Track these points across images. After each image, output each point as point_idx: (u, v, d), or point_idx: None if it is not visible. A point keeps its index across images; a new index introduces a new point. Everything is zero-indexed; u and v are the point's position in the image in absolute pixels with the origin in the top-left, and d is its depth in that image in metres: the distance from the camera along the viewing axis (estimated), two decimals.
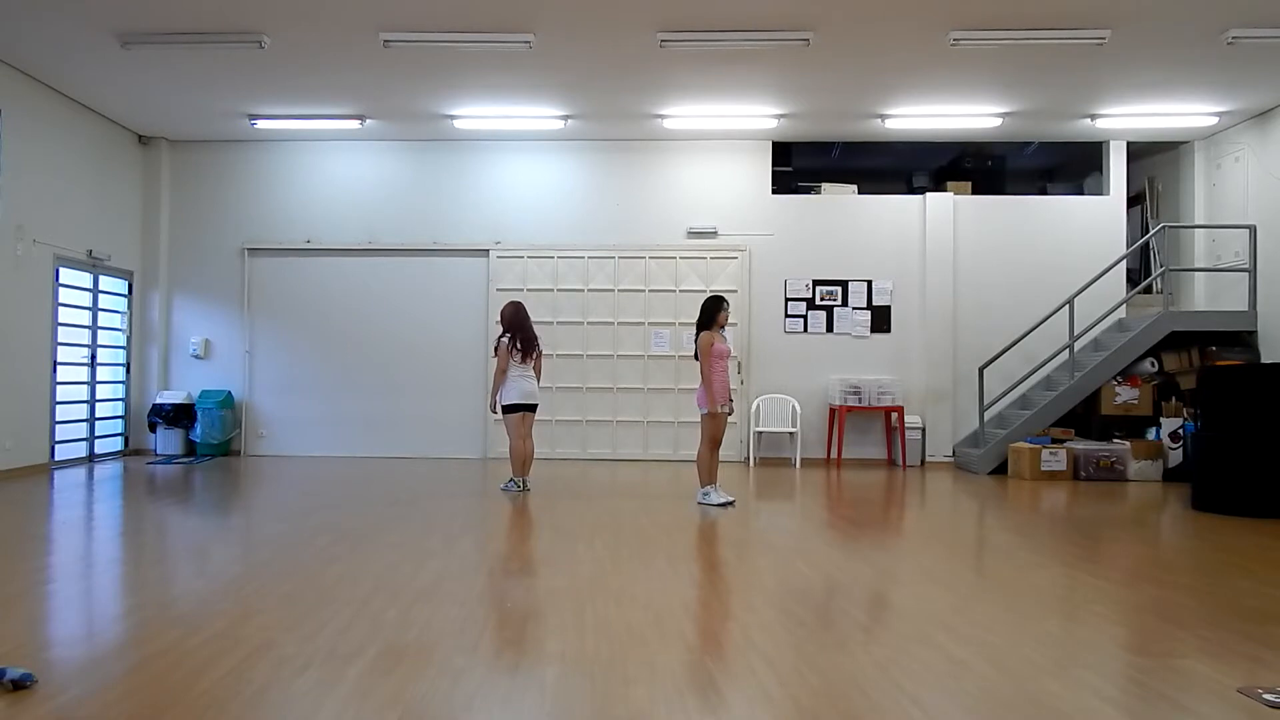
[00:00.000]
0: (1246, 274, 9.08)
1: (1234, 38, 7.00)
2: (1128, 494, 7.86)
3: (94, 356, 9.54)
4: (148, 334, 10.30)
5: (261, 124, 9.53)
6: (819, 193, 10.36)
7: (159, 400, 10.00)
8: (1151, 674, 3.07)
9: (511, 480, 7.49)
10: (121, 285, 10.05)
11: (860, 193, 10.35)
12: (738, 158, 10.26)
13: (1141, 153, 10.46)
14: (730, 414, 7.03)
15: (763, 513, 6.81)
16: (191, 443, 10.03)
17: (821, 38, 7.19)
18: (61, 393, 8.92)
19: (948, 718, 2.66)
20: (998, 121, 9.29)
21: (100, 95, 8.85)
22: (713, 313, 6.84)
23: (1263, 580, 4.54)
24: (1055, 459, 8.71)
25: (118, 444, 10.04)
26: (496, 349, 7.45)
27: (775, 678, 2.98)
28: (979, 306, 10.12)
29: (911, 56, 7.63)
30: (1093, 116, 9.22)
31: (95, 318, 9.59)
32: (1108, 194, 10.15)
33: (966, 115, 9.16)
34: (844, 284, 10.24)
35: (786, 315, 10.24)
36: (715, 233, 10.26)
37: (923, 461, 10.03)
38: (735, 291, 10.06)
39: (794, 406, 10.06)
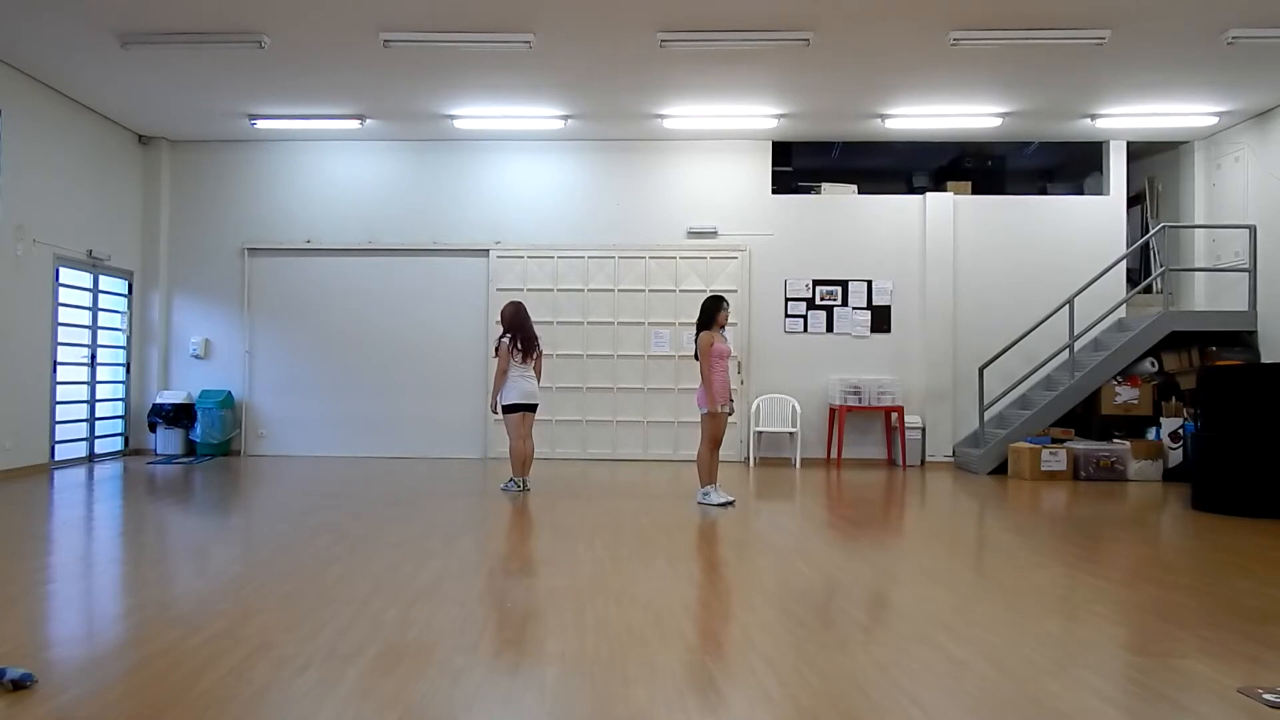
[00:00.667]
0: (1246, 274, 9.08)
1: (1234, 38, 7.00)
2: (1128, 494, 7.86)
3: (94, 356, 9.54)
4: (148, 334, 10.30)
5: (261, 124, 9.53)
6: (819, 193, 10.36)
7: (159, 400, 10.00)
8: (1151, 674, 3.07)
9: (511, 480, 7.49)
10: (121, 285, 10.05)
11: (860, 193, 10.35)
12: (738, 158, 10.26)
13: (1141, 153, 10.46)
14: (731, 414, 7.03)
15: (763, 513, 6.81)
16: (191, 443, 10.03)
17: (821, 38, 7.19)
18: (61, 393, 8.92)
19: (948, 718, 2.66)
20: (998, 121, 9.29)
21: (100, 95, 8.85)
22: (712, 312, 6.84)
23: (1263, 580, 4.54)
24: (1055, 459, 8.71)
25: (118, 444, 10.04)
26: (497, 349, 7.46)
27: (775, 678, 2.98)
28: (979, 306, 10.12)
29: (911, 56, 7.63)
30: (1093, 116, 9.22)
31: (95, 318, 9.59)
32: (1108, 194, 10.15)
33: (966, 115, 9.16)
34: (844, 284, 10.24)
35: (786, 315, 10.24)
36: (715, 233, 10.26)
37: (923, 461, 10.03)
38: (735, 291, 10.06)
39: (794, 406, 10.06)
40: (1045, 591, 4.27)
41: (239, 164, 10.41)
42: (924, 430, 10.04)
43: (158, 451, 10.02)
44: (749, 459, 10.08)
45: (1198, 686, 2.94)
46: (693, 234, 10.26)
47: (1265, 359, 8.94)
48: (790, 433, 10.04)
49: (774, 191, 10.30)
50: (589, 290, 10.24)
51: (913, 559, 5.02)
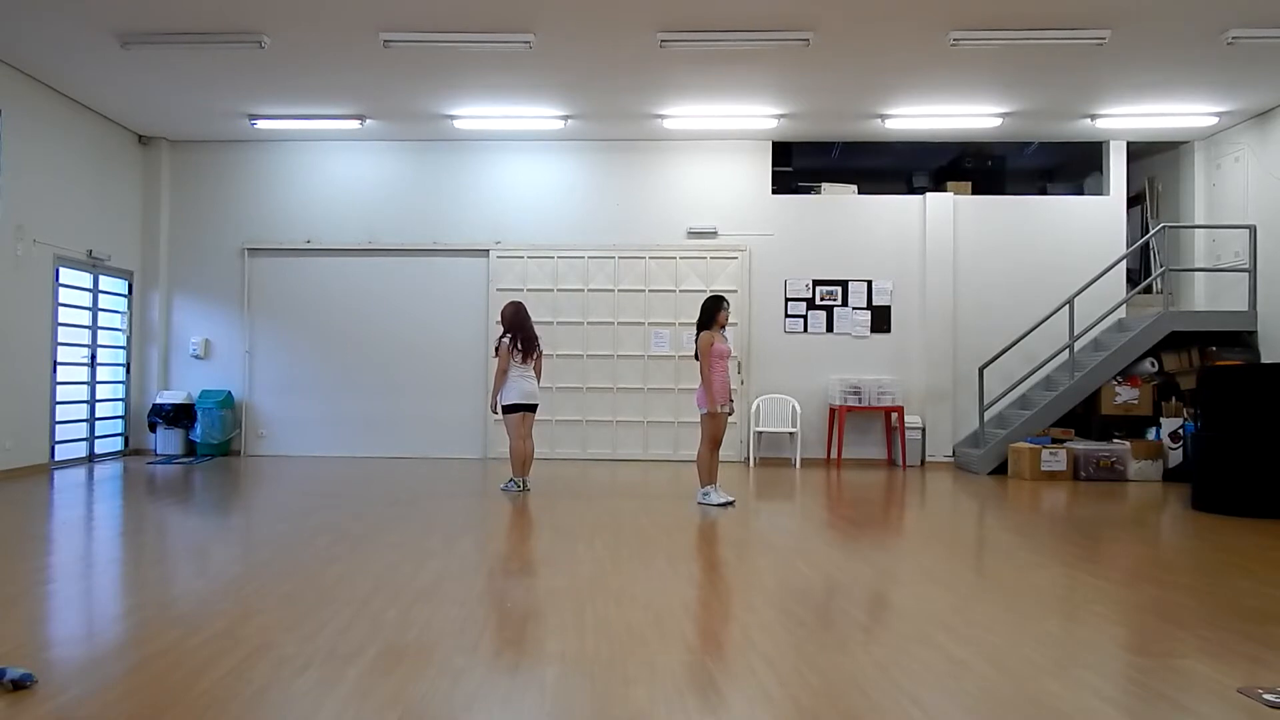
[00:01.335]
0: (1246, 274, 9.08)
1: (1234, 38, 7.00)
2: (1128, 494, 7.86)
3: (94, 356, 9.54)
4: (148, 334, 10.30)
5: (261, 124, 9.53)
6: (819, 193, 10.35)
7: (159, 400, 10.00)
8: (1151, 674, 3.07)
9: (511, 480, 7.49)
10: (121, 285, 10.05)
11: (860, 193, 10.35)
12: (738, 158, 10.26)
13: (1141, 153, 10.46)
14: (731, 414, 7.03)
15: (763, 513, 6.81)
16: (191, 443, 10.03)
17: (821, 38, 7.19)
18: (61, 393, 8.92)
19: (948, 718, 2.66)
20: (998, 121, 9.29)
21: (100, 95, 8.85)
22: (713, 312, 6.84)
23: (1263, 580, 4.54)
24: (1055, 459, 8.71)
25: (118, 444, 10.04)
26: (497, 349, 7.45)
27: (775, 678, 2.98)
28: (979, 306, 10.12)
29: (911, 56, 7.63)
30: (1093, 116, 9.21)
31: (95, 318, 9.59)
32: (1108, 194, 10.15)
33: (966, 115, 9.16)
34: (844, 284, 10.24)
35: (786, 315, 10.24)
36: (715, 233, 10.26)
37: (923, 461, 10.03)
38: (735, 291, 10.06)
39: (794, 406, 10.06)
40: (1045, 591, 4.27)
41: (239, 164, 10.41)
42: (924, 430, 10.04)
43: (158, 451, 10.02)
44: (749, 459, 10.08)
45: (1198, 686, 2.94)
46: (693, 234, 10.26)
47: (1265, 359, 8.94)
48: (790, 433, 10.04)
49: (774, 191, 10.30)
50: (589, 290, 10.24)
51: (913, 559, 5.02)
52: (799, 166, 10.60)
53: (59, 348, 8.87)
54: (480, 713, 2.69)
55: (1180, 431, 8.80)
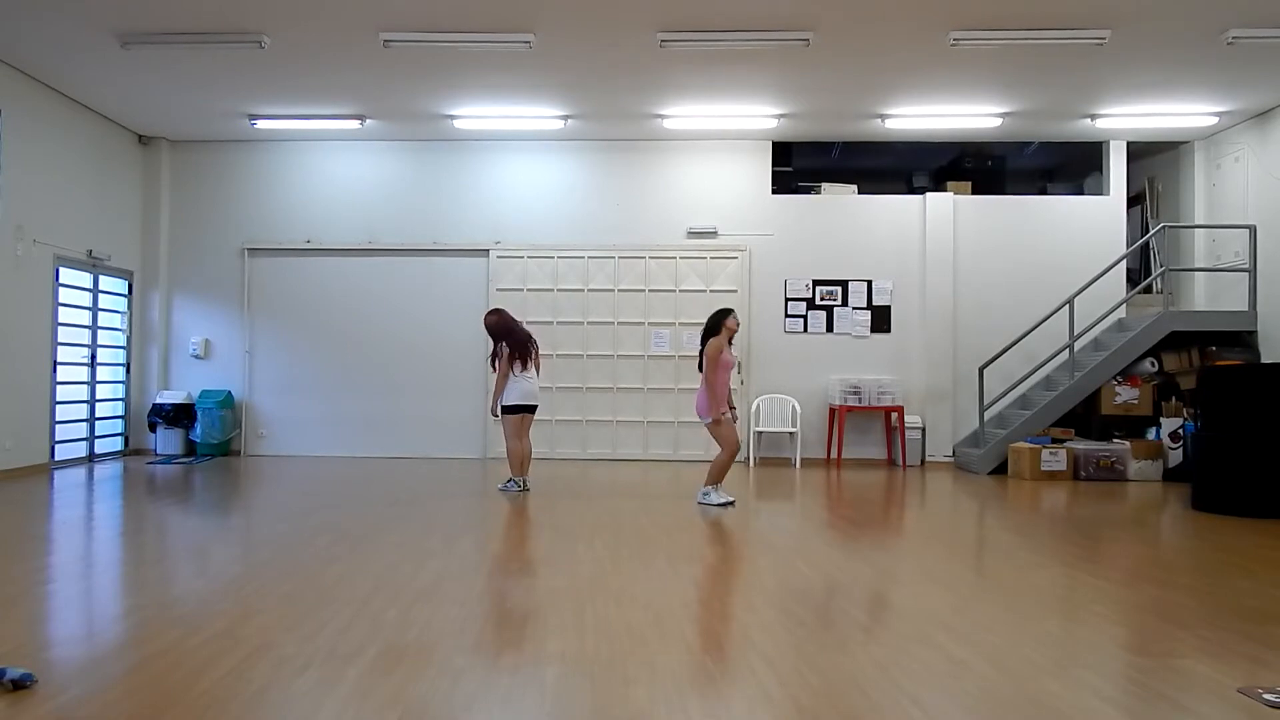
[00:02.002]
0: (1246, 274, 9.08)
1: (1234, 38, 7.00)
2: (1128, 494, 7.86)
3: (94, 356, 9.54)
4: (148, 334, 10.30)
5: (261, 124, 9.53)
6: (819, 193, 10.36)
7: (159, 400, 10.00)
8: (1151, 674, 3.07)
9: (511, 480, 7.49)
10: (121, 285, 10.05)
11: (860, 193, 10.35)
12: (738, 158, 10.26)
13: (1141, 153, 10.46)
14: (735, 420, 7.02)
15: (763, 513, 6.81)
16: (191, 443, 10.03)
17: (821, 38, 7.19)
18: (61, 393, 8.92)
19: (948, 718, 2.66)
20: (998, 121, 9.29)
21: (100, 95, 8.85)
22: (722, 320, 6.82)
23: (1263, 580, 4.54)
24: (1055, 459, 8.71)
25: (118, 444, 10.04)
26: (493, 361, 7.39)
27: (775, 678, 2.98)
28: (979, 306, 10.12)
29: (911, 56, 7.63)
30: (1093, 116, 9.22)
31: (95, 318, 9.59)
32: (1108, 194, 10.15)
33: (966, 115, 9.16)
34: (844, 284, 10.24)
35: (786, 315, 10.24)
36: (715, 233, 10.26)
37: (923, 461, 10.03)
38: (735, 291, 10.07)
39: (794, 406, 10.06)
40: (1045, 591, 4.27)
41: (239, 164, 10.41)
42: (924, 430, 10.04)
43: (158, 451, 10.02)
44: (749, 459, 10.08)
45: (1198, 686, 2.94)
46: (693, 234, 10.26)
47: (1265, 359, 8.94)
48: (790, 433, 10.04)
49: (774, 191, 10.30)
50: (589, 290, 10.24)
51: (913, 559, 5.02)
52: (799, 166, 10.60)
53: (59, 348, 8.87)
54: (480, 713, 2.69)
55: (1180, 431, 8.80)
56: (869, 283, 10.23)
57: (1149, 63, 7.73)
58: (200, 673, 2.97)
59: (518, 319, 7.77)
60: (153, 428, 10.00)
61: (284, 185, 10.42)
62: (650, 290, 10.24)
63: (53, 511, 6.49)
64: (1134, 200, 10.54)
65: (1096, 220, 10.12)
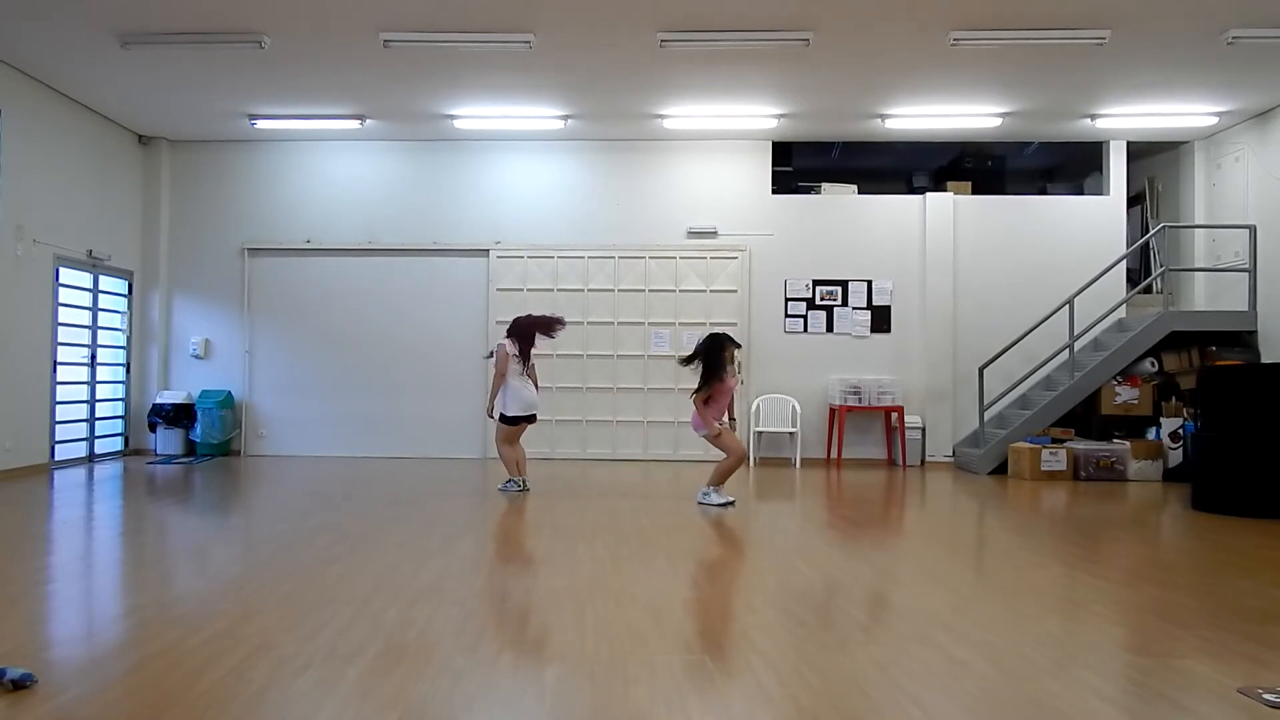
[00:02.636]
0: (1246, 274, 9.08)
1: (1234, 38, 7.00)
2: (1128, 494, 7.86)
3: (94, 356, 9.54)
4: (148, 334, 10.29)
5: (261, 124, 9.53)
6: (819, 193, 10.35)
7: (159, 400, 10.00)
8: (1151, 674, 3.07)
9: (511, 480, 7.48)
10: (121, 285, 10.05)
11: (860, 193, 10.34)
12: (738, 158, 10.26)
13: (1141, 153, 10.46)
14: (735, 428, 7.01)
15: (763, 513, 6.81)
16: (191, 443, 10.03)
17: (821, 38, 7.19)
18: (61, 393, 8.92)
19: (948, 718, 2.66)
20: (998, 121, 9.29)
21: (100, 95, 8.85)
22: (722, 352, 6.76)
23: (1263, 580, 4.53)
24: (1055, 459, 8.71)
25: (118, 444, 10.04)
26: (496, 357, 7.37)
27: (775, 678, 2.98)
28: (979, 306, 10.12)
29: (911, 56, 7.63)
30: (1093, 116, 9.21)
31: (95, 318, 9.59)
32: (1108, 194, 10.15)
33: (966, 115, 9.16)
34: (844, 284, 10.24)
35: (786, 315, 10.24)
36: (715, 233, 10.26)
37: (923, 461, 10.03)
38: (735, 291, 10.08)
39: (794, 406, 10.06)
40: (1045, 591, 4.27)
41: (239, 164, 10.41)
42: (924, 430, 10.03)
43: (158, 451, 10.01)
44: (749, 459, 10.07)
45: (1198, 686, 2.94)
46: (693, 234, 10.26)
47: (1265, 359, 8.94)
48: (790, 433, 10.04)
49: (774, 191, 10.30)
50: (589, 290, 10.24)
51: (913, 559, 5.02)
52: (799, 166, 10.60)
53: (59, 348, 8.87)
54: (480, 713, 2.69)
55: (1180, 431, 8.79)
56: (869, 283, 10.23)
57: (1149, 63, 7.73)
58: (200, 673, 2.97)
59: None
60: (153, 428, 10.00)
61: (284, 185, 10.41)
62: (650, 290, 10.24)
63: (53, 511, 6.49)
64: (1134, 200, 10.54)
65: (1096, 220, 10.12)
